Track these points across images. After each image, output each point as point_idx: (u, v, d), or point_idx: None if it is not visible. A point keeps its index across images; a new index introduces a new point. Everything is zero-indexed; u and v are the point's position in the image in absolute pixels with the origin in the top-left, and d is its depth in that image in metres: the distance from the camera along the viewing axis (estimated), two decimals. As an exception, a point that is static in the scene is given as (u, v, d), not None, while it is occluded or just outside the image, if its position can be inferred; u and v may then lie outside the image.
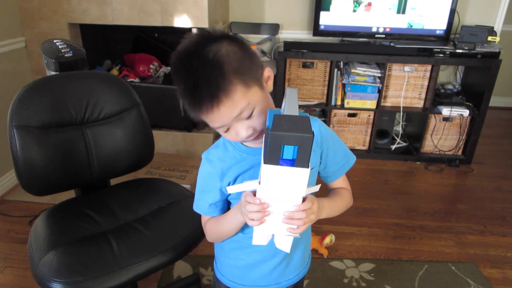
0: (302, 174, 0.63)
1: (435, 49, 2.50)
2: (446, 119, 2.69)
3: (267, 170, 0.63)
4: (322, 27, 2.64)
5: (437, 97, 2.69)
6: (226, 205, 0.88)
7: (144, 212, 1.31)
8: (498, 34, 2.67)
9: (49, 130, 1.27)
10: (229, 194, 0.83)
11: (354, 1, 2.56)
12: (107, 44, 2.88)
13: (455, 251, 1.91)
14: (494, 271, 1.79)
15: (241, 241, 0.87)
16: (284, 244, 0.75)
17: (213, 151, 0.83)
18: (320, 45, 2.61)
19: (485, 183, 2.55)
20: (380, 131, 2.80)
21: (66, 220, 1.27)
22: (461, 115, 2.63)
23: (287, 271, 0.92)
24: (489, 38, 2.47)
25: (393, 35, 2.64)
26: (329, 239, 1.86)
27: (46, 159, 1.25)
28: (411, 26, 2.61)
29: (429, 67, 2.61)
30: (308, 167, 0.63)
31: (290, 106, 0.64)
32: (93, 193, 1.43)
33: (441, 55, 2.49)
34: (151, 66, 2.68)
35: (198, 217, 0.90)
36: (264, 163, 0.62)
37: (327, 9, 2.59)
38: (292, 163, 0.62)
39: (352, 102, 2.67)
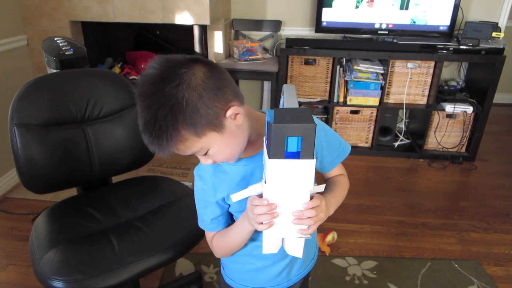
0: (308, 166, 0.63)
1: (438, 46, 2.47)
2: (449, 116, 2.67)
3: (273, 165, 0.62)
4: (324, 23, 2.62)
5: (441, 93, 2.67)
6: (229, 218, 0.86)
7: (145, 210, 1.31)
8: (502, 30, 2.65)
9: (50, 128, 1.27)
10: (229, 206, 0.82)
11: (356, -3, 2.54)
12: (109, 41, 2.87)
13: (458, 248, 1.90)
14: (498, 268, 1.78)
15: (250, 247, 0.86)
16: (296, 248, 0.73)
17: (203, 166, 0.80)
18: (323, 41, 2.59)
19: (488, 180, 2.54)
20: (383, 128, 2.79)
21: (67, 218, 1.27)
22: (465, 112, 2.61)
23: (296, 266, 0.92)
24: (493, 34, 2.45)
25: (396, 31, 2.62)
26: (331, 237, 1.86)
27: (47, 157, 1.25)
28: (414, 22, 2.59)
29: (432, 64, 2.59)
30: (313, 158, 0.62)
31: (290, 100, 0.64)
32: (94, 191, 1.43)
33: (445, 51, 2.47)
34: (152, 63, 2.67)
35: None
36: (269, 158, 0.62)
37: (329, 6, 2.57)
38: (297, 155, 0.62)
39: (354, 99, 2.66)
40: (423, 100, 2.71)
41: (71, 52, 1.62)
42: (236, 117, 0.68)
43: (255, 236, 0.82)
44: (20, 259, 1.77)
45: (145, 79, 0.65)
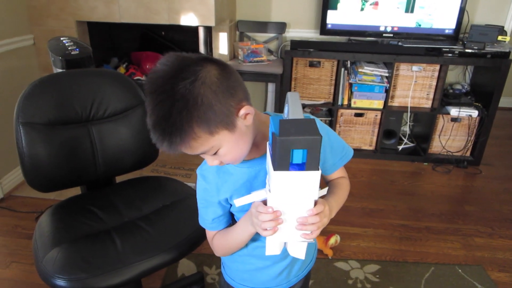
0: (313, 177, 0.63)
1: (443, 49, 2.46)
2: (454, 119, 2.65)
3: (278, 177, 0.62)
4: (329, 26, 2.62)
5: (446, 97, 2.66)
6: (230, 218, 0.86)
7: (148, 210, 1.31)
8: (508, 33, 2.63)
9: (55, 127, 1.27)
10: (231, 206, 0.82)
11: (362, 0, 2.53)
12: (114, 41, 2.89)
13: (462, 253, 1.89)
14: (502, 274, 1.77)
15: (251, 247, 0.86)
16: (298, 251, 0.74)
17: (206, 166, 0.80)
18: (327, 44, 2.59)
19: (493, 184, 2.52)
20: (387, 131, 2.78)
21: (70, 217, 1.27)
22: (470, 115, 2.60)
23: (296, 267, 0.92)
24: (499, 38, 2.44)
25: (401, 34, 2.61)
26: (334, 240, 1.85)
27: (52, 156, 1.25)
28: (420, 25, 2.58)
29: (437, 67, 2.58)
30: (318, 170, 0.62)
31: (294, 110, 0.63)
32: (98, 190, 1.43)
33: (450, 54, 2.46)
34: (157, 64, 2.68)
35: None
36: (274, 170, 0.62)
37: (335, 8, 2.57)
38: (302, 167, 0.62)
39: (359, 102, 2.65)
40: (427, 104, 2.70)
41: (77, 52, 1.63)
42: (246, 117, 0.68)
43: (256, 236, 0.82)
44: (24, 257, 1.78)
45: (158, 75, 0.63)
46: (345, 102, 2.69)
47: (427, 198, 2.36)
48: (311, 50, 2.51)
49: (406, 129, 2.94)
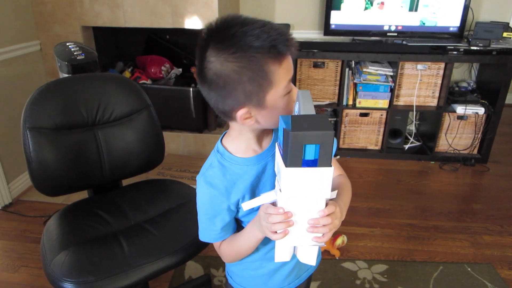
0: (326, 174, 0.61)
1: (448, 47, 2.45)
2: (460, 117, 2.63)
3: (290, 174, 0.61)
4: (333, 26, 2.62)
5: (451, 95, 2.64)
6: (236, 224, 0.85)
7: (154, 213, 1.32)
8: (514, 30, 2.61)
9: (62, 132, 1.28)
10: (238, 211, 0.80)
11: (366, 0, 2.53)
12: (119, 46, 2.91)
13: (471, 252, 1.87)
14: (512, 273, 1.75)
15: (262, 252, 0.85)
16: (309, 256, 0.72)
17: (210, 173, 0.78)
18: (331, 44, 2.59)
19: (501, 182, 2.49)
20: (393, 131, 2.76)
21: (78, 221, 1.28)
22: (476, 113, 2.58)
23: (304, 265, 0.91)
24: (505, 34, 2.42)
25: (405, 33, 2.60)
26: (341, 240, 1.84)
27: (59, 160, 1.27)
28: (424, 23, 2.57)
29: (442, 65, 2.57)
30: (331, 166, 0.61)
31: (306, 106, 0.63)
32: (105, 193, 1.44)
33: (455, 52, 2.45)
34: (162, 68, 2.70)
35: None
36: (286, 166, 0.60)
37: (338, 8, 2.57)
38: (315, 163, 0.60)
39: (364, 102, 2.64)
40: (433, 102, 2.68)
41: (83, 57, 1.65)
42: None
43: (266, 240, 0.81)
44: (32, 260, 1.80)
45: (226, 20, 0.75)
46: (350, 102, 2.68)
47: (434, 196, 2.34)
48: (315, 50, 2.51)
49: (412, 128, 2.92)
